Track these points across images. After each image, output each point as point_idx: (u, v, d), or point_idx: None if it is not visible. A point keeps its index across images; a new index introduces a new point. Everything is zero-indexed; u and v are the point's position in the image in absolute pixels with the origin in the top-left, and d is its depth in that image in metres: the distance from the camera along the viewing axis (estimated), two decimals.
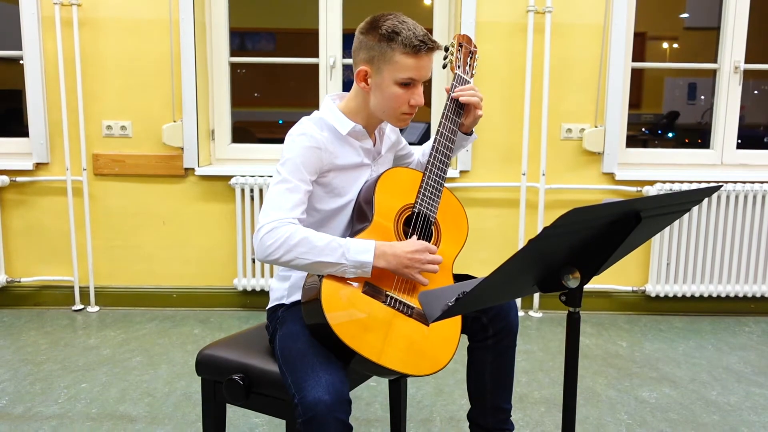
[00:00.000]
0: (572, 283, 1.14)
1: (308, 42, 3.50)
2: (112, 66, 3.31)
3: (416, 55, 1.51)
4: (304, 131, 1.56)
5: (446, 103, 1.67)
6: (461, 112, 1.68)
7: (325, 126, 1.60)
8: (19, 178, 3.37)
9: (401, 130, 1.84)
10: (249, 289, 3.43)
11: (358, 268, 1.45)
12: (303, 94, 3.85)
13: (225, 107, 3.51)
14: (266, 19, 4.04)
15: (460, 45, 1.72)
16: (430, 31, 3.45)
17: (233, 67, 3.55)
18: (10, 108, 3.78)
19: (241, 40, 3.96)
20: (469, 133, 1.78)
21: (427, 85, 3.55)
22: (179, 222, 3.43)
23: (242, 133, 3.83)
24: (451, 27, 3.41)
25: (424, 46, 1.51)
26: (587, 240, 1.11)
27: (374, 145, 1.68)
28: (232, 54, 3.52)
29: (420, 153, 1.91)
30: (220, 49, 3.45)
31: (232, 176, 3.34)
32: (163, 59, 3.31)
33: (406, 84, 1.55)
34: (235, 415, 2.27)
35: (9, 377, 2.60)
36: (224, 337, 1.76)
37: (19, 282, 3.45)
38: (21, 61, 3.33)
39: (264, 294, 3.44)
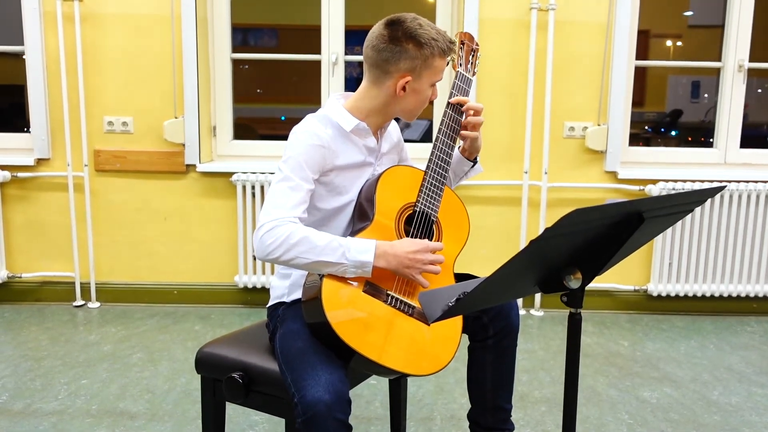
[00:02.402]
0: (574, 283, 1.14)
1: (311, 38, 3.49)
2: (114, 62, 3.31)
3: (446, 56, 1.59)
4: (308, 129, 1.55)
5: (448, 101, 1.67)
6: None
7: (330, 123, 1.59)
8: (20, 174, 3.37)
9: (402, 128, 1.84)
10: (250, 286, 3.42)
11: (359, 267, 1.44)
12: (305, 90, 3.84)
13: (226, 104, 3.50)
14: (268, 15, 4.03)
15: (462, 43, 1.72)
16: None
17: (235, 63, 3.54)
18: (13, 103, 3.77)
19: (243, 36, 3.95)
20: (474, 161, 1.78)
21: None
22: (180, 218, 3.43)
23: (244, 129, 3.82)
24: (453, 23, 3.40)
25: (453, 45, 1.60)
26: (589, 240, 1.10)
27: (377, 143, 1.68)
28: (235, 50, 3.51)
29: None
30: (222, 45, 3.44)
31: (233, 173, 3.33)
32: (165, 55, 3.30)
33: (433, 84, 1.61)
34: (235, 413, 2.26)
35: (9, 373, 2.60)
36: (224, 335, 1.75)
37: (20, 277, 3.45)
38: (23, 56, 3.32)
39: (265, 291, 3.44)
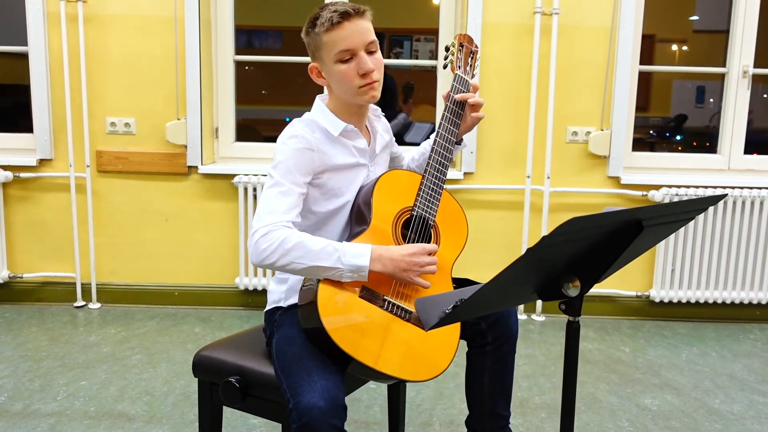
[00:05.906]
0: (572, 291, 1.12)
1: None
2: (117, 63, 3.31)
3: (338, 27, 1.50)
4: (295, 133, 1.54)
5: (446, 105, 1.66)
6: (461, 113, 1.67)
7: (317, 127, 1.59)
8: (22, 174, 3.37)
9: (391, 122, 1.82)
10: (251, 288, 3.42)
11: (355, 272, 1.43)
12: (310, 92, 3.83)
13: (229, 105, 3.49)
14: (272, 17, 4.03)
15: (461, 45, 1.70)
16: (436, 31, 3.44)
17: (239, 64, 3.53)
18: (16, 103, 3.77)
19: (248, 37, 3.95)
20: (459, 141, 1.76)
21: (432, 84, 3.53)
22: (182, 220, 3.42)
23: (249, 130, 3.82)
24: (457, 27, 3.39)
25: (337, 15, 1.50)
26: (588, 248, 1.08)
27: (369, 145, 1.67)
28: (239, 52, 3.50)
29: (415, 153, 1.88)
30: (225, 47, 3.44)
31: (235, 175, 3.33)
32: (168, 56, 3.30)
33: (347, 59, 1.53)
34: (233, 416, 2.26)
35: (8, 373, 2.60)
36: (221, 339, 1.74)
37: (22, 278, 3.45)
38: (27, 56, 3.32)
39: (265, 294, 3.42)
